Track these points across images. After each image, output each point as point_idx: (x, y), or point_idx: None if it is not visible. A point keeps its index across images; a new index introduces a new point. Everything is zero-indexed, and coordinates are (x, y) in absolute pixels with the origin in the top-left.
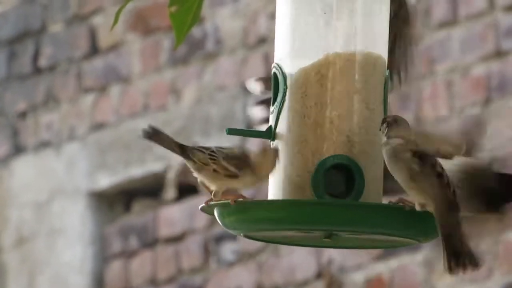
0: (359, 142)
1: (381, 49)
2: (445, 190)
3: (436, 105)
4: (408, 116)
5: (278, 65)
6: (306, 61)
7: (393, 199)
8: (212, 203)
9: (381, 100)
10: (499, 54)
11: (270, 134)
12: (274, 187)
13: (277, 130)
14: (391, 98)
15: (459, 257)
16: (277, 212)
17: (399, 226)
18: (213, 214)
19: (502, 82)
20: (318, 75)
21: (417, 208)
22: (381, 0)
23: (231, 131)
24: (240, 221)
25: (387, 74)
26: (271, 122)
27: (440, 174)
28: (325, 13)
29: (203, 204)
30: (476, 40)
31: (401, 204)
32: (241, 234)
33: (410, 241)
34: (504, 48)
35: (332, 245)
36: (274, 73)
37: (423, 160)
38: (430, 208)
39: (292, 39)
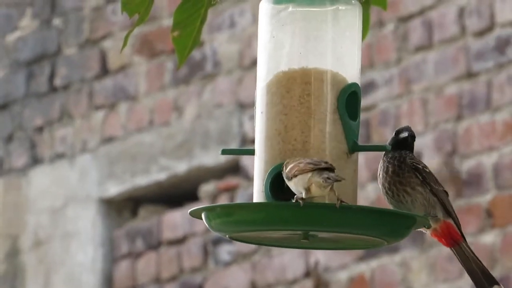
0: (305, 149)
1: (330, 64)
2: None
3: (413, 121)
4: (387, 131)
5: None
6: (263, 82)
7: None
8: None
9: (333, 109)
10: (469, 75)
11: (254, 151)
12: (254, 196)
13: (255, 146)
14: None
15: None
16: (257, 214)
17: (368, 227)
18: (200, 218)
19: (472, 100)
20: (269, 94)
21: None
22: (321, 21)
23: (225, 151)
24: (224, 223)
25: (347, 85)
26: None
27: None
28: (273, 37)
29: (192, 209)
30: (449, 63)
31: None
32: (226, 235)
33: (376, 241)
34: (474, 70)
35: (312, 246)
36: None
37: None
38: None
39: (258, 62)
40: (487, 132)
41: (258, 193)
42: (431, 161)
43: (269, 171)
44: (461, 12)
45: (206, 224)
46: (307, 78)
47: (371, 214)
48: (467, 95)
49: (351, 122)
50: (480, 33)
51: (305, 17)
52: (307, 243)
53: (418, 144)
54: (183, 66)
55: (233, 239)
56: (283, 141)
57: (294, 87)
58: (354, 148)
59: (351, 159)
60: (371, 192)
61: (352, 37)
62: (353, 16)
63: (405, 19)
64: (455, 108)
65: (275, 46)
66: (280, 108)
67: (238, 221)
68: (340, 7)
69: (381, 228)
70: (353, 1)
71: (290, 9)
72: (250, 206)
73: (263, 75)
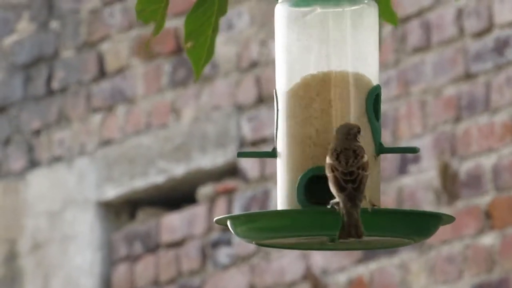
0: None
1: (358, 66)
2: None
3: (411, 123)
4: (385, 134)
5: (275, 90)
6: (289, 85)
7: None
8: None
9: (362, 112)
10: (468, 76)
11: (275, 153)
12: (279, 200)
13: (278, 149)
14: None
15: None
16: (280, 221)
17: (397, 228)
18: (226, 225)
19: (471, 102)
20: (297, 97)
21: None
22: (347, 23)
23: (241, 154)
24: (250, 230)
25: (373, 87)
26: (275, 142)
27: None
28: (299, 40)
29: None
30: (447, 64)
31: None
32: (253, 242)
33: (404, 241)
34: (473, 71)
35: (338, 247)
36: (275, 98)
37: None
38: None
39: (279, 66)
40: (486, 134)
41: (283, 198)
42: (430, 163)
43: (301, 175)
44: (460, 13)
45: (232, 231)
46: (336, 81)
47: (399, 215)
48: (465, 97)
49: (376, 124)
50: (479, 34)
51: (332, 19)
52: (333, 245)
53: (416, 146)
54: (180, 68)
55: (260, 245)
56: (314, 144)
57: (324, 90)
58: (380, 150)
59: (377, 161)
60: None
61: (374, 38)
62: (374, 17)
63: (403, 21)
64: (454, 109)
65: (301, 49)
66: (311, 112)
67: (264, 228)
68: (364, 7)
69: (409, 228)
70: (369, 1)
71: (317, 11)
72: (274, 214)
73: (286, 79)
